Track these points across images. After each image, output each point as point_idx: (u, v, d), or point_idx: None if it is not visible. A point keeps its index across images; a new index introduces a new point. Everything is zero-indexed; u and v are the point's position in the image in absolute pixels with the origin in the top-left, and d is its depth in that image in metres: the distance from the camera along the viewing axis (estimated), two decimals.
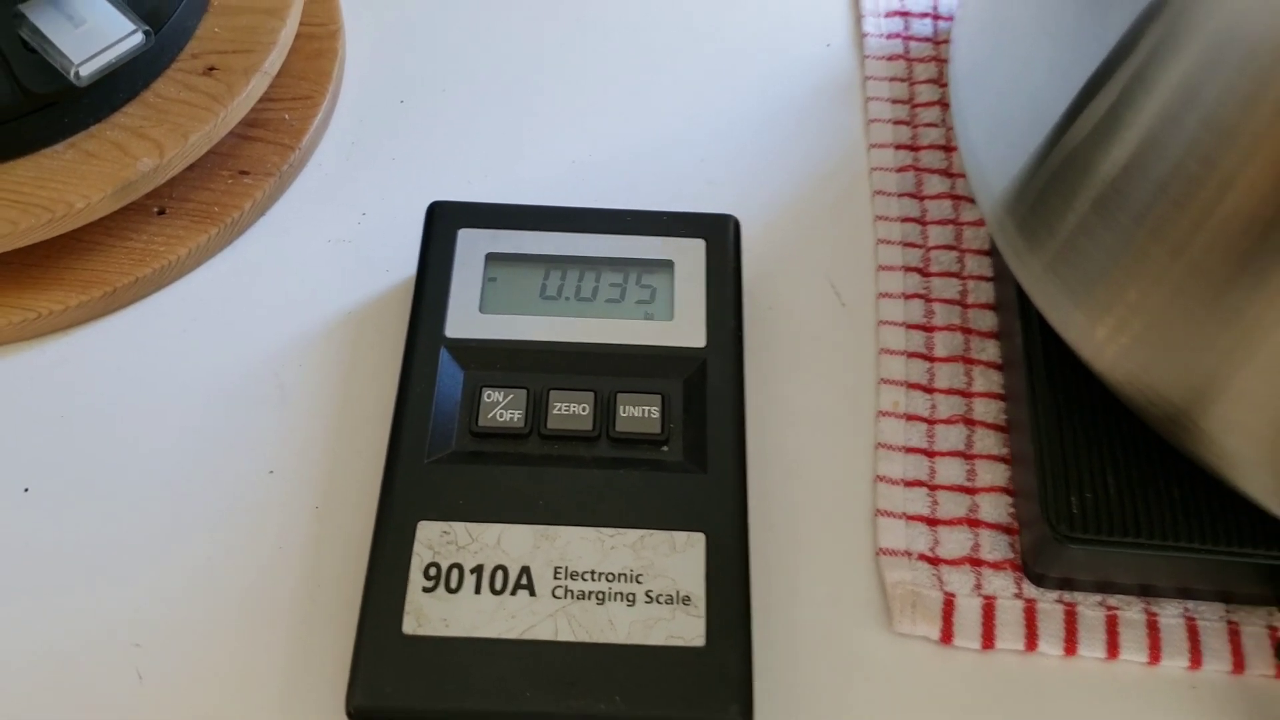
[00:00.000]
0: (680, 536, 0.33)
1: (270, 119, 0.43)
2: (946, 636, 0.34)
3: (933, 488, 0.36)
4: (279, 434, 0.37)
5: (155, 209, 0.41)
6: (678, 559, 0.32)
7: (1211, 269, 0.28)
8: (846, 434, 0.38)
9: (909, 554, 0.35)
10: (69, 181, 0.37)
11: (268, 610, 0.34)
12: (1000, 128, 0.34)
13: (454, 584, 0.32)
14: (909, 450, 0.37)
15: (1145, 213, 0.29)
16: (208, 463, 0.37)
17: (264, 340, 0.39)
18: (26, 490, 0.36)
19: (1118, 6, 0.30)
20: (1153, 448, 0.32)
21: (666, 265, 0.38)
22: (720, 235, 0.38)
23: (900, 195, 0.43)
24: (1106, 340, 0.31)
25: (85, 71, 0.35)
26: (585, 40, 0.48)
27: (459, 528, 0.32)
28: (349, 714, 0.30)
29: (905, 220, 0.42)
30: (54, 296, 0.39)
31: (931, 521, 0.36)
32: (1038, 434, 0.33)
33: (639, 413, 0.35)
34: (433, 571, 0.32)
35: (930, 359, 0.39)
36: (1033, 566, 0.34)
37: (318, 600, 0.34)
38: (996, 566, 0.35)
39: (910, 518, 0.36)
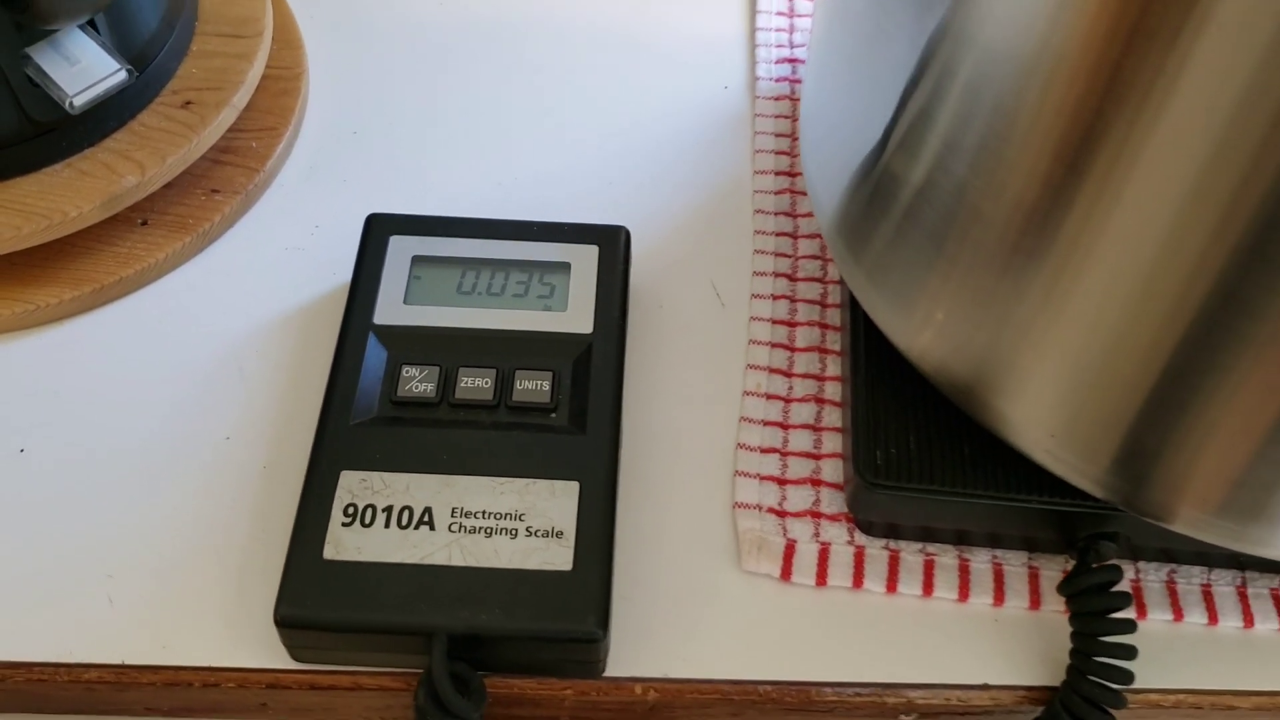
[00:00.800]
0: (559, 485, 0.39)
1: (239, 146, 0.50)
2: (786, 574, 0.40)
3: (784, 454, 0.43)
4: (236, 407, 0.44)
5: (138, 220, 0.47)
6: (555, 502, 0.39)
7: (983, 279, 0.32)
8: (715, 409, 0.44)
9: (760, 507, 0.41)
10: (65, 195, 0.44)
11: (220, 547, 0.40)
12: (829, 159, 0.39)
13: (368, 520, 0.38)
14: (767, 423, 0.44)
15: (932, 232, 0.33)
16: (176, 430, 0.43)
17: (228, 331, 0.46)
18: (22, 450, 0.43)
19: (905, 52, 0.36)
20: (950, 415, 0.38)
21: (564, 266, 0.44)
22: (612, 242, 0.45)
23: (777, 214, 0.50)
24: (913, 336, 0.37)
25: (78, 102, 0.42)
26: (512, 82, 0.55)
27: (375, 476, 0.39)
28: (276, 623, 0.36)
29: (779, 234, 0.49)
30: (50, 292, 0.45)
31: (781, 481, 0.42)
32: (855, 402, 0.39)
33: (533, 386, 0.41)
34: (351, 510, 0.38)
35: (791, 349, 0.45)
36: (853, 513, 0.40)
37: (261, 539, 0.40)
38: (833, 519, 0.41)
39: (763, 478, 0.42)
